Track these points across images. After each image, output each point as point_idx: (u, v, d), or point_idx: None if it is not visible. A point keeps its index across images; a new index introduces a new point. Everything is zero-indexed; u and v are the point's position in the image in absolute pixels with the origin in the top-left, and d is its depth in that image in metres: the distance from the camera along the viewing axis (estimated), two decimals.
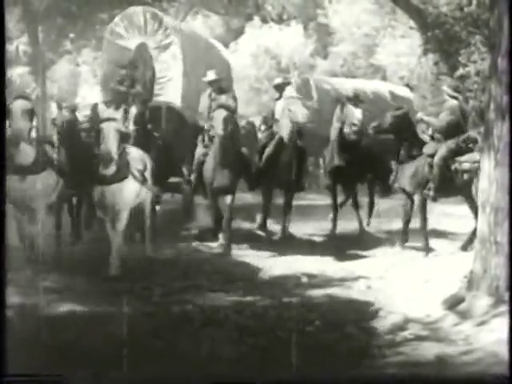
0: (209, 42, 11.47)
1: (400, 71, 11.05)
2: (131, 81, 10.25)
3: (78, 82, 10.79)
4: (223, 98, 9.75)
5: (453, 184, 8.68)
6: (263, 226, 9.93)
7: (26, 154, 8.06)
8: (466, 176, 8.80)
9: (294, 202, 9.89)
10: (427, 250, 8.88)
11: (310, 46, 11.38)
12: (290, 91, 9.94)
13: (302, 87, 10.77)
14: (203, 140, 9.64)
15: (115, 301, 7.40)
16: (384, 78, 11.23)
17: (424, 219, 8.92)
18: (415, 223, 9.08)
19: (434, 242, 9.04)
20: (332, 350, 6.82)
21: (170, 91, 10.45)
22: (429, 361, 6.56)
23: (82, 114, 9.63)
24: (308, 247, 9.50)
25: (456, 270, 7.91)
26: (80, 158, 8.69)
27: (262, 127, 10.22)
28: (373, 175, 9.90)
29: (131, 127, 9.26)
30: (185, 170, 10.01)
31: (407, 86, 10.77)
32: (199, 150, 9.68)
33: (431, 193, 8.82)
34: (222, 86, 10.00)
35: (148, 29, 10.54)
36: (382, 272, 8.45)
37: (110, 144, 8.18)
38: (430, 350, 6.65)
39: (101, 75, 10.94)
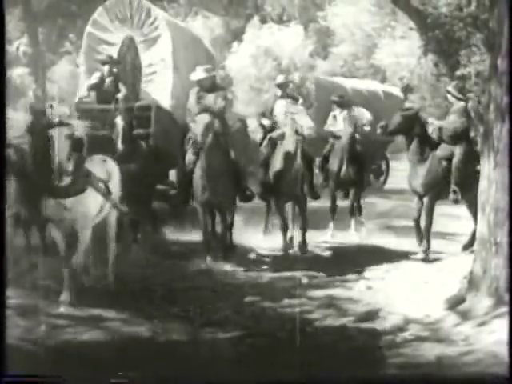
0: (194, 35, 10.78)
1: (400, 72, 11.04)
2: (114, 80, 9.64)
3: (78, 83, 10.69)
4: (211, 98, 9.09)
5: (475, 187, 8.62)
6: (289, 244, 9.16)
7: None
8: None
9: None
10: (428, 251, 8.88)
11: (310, 47, 11.39)
12: (289, 101, 9.40)
13: (300, 86, 10.70)
14: (192, 145, 8.84)
15: None
16: (384, 79, 11.23)
17: (430, 221, 8.90)
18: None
19: (434, 243, 9.05)
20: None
21: (159, 89, 9.71)
22: (429, 361, 6.57)
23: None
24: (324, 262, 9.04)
25: (456, 270, 7.93)
26: (37, 166, 7.60)
27: (260, 134, 9.91)
28: (367, 176, 9.90)
29: (119, 145, 8.68)
30: (175, 179, 9.39)
31: (407, 86, 10.78)
32: (189, 157, 8.95)
33: (458, 196, 8.78)
34: (212, 83, 9.15)
35: (135, 20, 9.77)
36: (383, 273, 8.47)
37: (61, 152, 7.43)
38: (430, 351, 6.67)
39: (82, 74, 10.04)
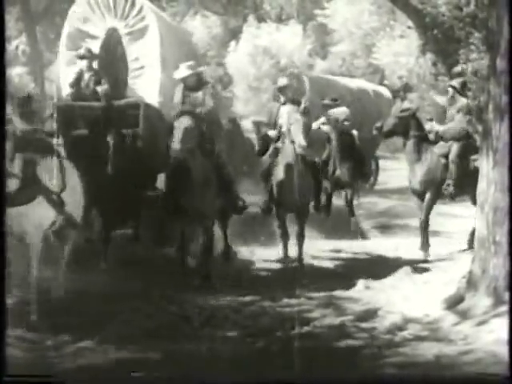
0: (180, 27, 10.25)
1: (398, 71, 11.05)
2: (95, 75, 8.81)
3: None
4: (198, 98, 8.39)
5: (471, 182, 8.62)
6: (286, 257, 8.61)
7: None
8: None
9: None
10: (426, 249, 8.88)
11: (309, 46, 11.39)
12: (291, 108, 8.67)
13: (295, 84, 10.55)
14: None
15: None
16: (382, 78, 11.23)
17: (426, 219, 8.91)
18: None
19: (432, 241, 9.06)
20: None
21: (147, 85, 8.94)
22: (428, 361, 6.57)
23: None
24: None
25: (455, 270, 7.94)
26: None
27: (258, 142, 9.59)
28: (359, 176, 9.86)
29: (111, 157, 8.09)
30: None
31: (405, 85, 10.78)
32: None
33: (451, 190, 8.79)
34: (197, 81, 8.44)
35: (118, 10, 8.97)
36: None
37: (7, 153, 6.78)
38: (429, 350, 6.67)
39: (62, 70, 9.29)
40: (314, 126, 9.30)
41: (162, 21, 9.30)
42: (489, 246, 7.05)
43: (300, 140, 8.31)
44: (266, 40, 11.44)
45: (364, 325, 7.26)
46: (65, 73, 9.18)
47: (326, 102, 9.63)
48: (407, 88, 10.76)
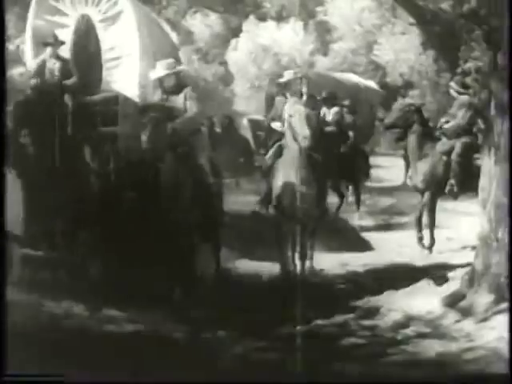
0: (157, 20, 9.25)
1: (400, 68, 11.02)
2: (63, 65, 7.97)
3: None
4: (178, 101, 7.59)
5: (474, 181, 8.58)
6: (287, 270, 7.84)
7: None
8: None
9: None
10: (431, 247, 8.85)
11: (310, 44, 11.37)
12: (294, 101, 8.08)
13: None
14: None
15: None
16: (384, 75, 11.20)
17: (433, 217, 8.88)
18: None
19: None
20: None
21: (124, 76, 8.02)
22: (430, 358, 6.57)
23: None
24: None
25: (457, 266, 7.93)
26: None
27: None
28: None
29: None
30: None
31: (407, 82, 10.77)
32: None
33: (454, 189, 8.76)
34: (176, 82, 7.62)
35: None
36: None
37: None
38: (431, 348, 6.66)
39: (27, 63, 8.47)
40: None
41: (137, 6, 8.42)
42: (491, 243, 7.04)
43: (303, 131, 7.67)
44: (266, 38, 11.42)
45: (366, 322, 7.26)
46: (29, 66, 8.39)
47: (324, 96, 9.52)
48: (409, 85, 10.75)
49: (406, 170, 9.82)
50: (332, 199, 8.88)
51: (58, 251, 7.26)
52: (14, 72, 9.30)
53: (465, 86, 8.95)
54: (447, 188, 8.78)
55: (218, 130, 9.74)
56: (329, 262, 8.26)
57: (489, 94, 7.23)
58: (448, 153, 8.86)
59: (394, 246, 8.90)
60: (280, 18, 11.42)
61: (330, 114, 9.38)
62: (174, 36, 9.45)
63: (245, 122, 9.89)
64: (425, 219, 8.88)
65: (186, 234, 7.28)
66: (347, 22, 11.39)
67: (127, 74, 8.06)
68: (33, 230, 7.23)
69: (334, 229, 8.81)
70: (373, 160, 10.02)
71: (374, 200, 10.03)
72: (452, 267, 8.13)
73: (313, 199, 7.86)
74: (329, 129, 9.12)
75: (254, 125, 9.67)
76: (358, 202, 9.56)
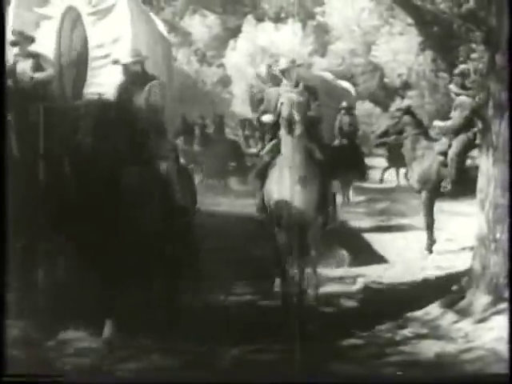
0: (147, 13, 8.32)
1: (398, 68, 11.03)
2: (36, 64, 7.09)
3: None
4: (141, 97, 6.63)
5: (469, 180, 8.57)
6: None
7: None
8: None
9: None
10: (430, 248, 8.84)
11: (309, 45, 11.36)
12: (287, 89, 7.31)
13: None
14: None
15: None
16: (382, 76, 11.21)
17: (430, 217, 8.87)
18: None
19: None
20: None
21: (110, 79, 7.04)
22: (428, 359, 6.56)
23: None
24: None
25: (455, 267, 7.93)
26: None
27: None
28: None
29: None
30: None
31: (405, 83, 10.77)
32: None
33: (448, 188, 8.75)
34: (140, 72, 6.71)
35: None
36: (382, 271, 8.43)
37: None
38: (429, 348, 6.65)
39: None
40: None
41: (131, 0, 7.64)
42: (489, 244, 7.03)
43: (293, 117, 6.88)
44: (264, 39, 11.42)
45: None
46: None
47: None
48: (407, 86, 10.75)
49: (397, 172, 9.88)
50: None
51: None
52: None
53: (463, 87, 8.95)
54: (442, 187, 8.79)
55: (208, 130, 9.71)
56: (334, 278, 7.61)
57: (487, 95, 7.22)
58: (443, 152, 8.87)
59: (395, 249, 8.91)
60: (278, 19, 11.42)
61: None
62: (166, 33, 8.66)
63: (236, 121, 9.68)
64: (423, 220, 8.89)
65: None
66: (345, 23, 11.39)
67: (115, 75, 7.06)
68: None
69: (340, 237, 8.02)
70: (370, 161, 10.04)
71: (370, 201, 10.04)
72: (451, 268, 8.16)
73: (313, 202, 7.01)
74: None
75: (245, 124, 9.56)
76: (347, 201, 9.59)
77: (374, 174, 10.31)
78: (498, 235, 7.00)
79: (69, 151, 6.24)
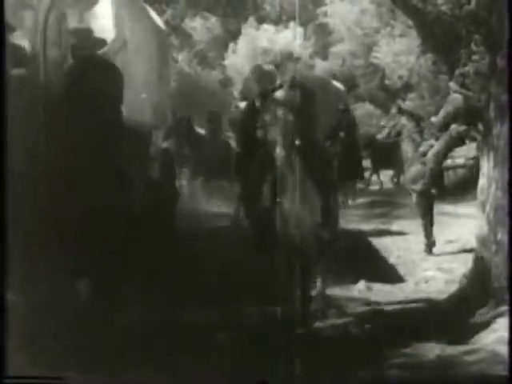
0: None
1: (399, 70, 11.03)
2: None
3: None
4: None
5: (449, 181, 8.59)
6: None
7: None
8: (462, 173, 8.81)
9: None
10: (430, 249, 8.84)
11: (309, 47, 11.37)
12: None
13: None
14: None
15: None
16: (383, 77, 11.21)
17: (423, 215, 8.85)
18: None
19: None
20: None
21: None
22: (430, 360, 6.56)
23: None
24: None
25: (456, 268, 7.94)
26: None
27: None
28: None
29: None
30: None
31: (406, 85, 10.77)
32: None
33: (434, 191, 8.78)
34: (88, 39, 6.22)
35: None
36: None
37: None
38: (430, 350, 6.65)
39: None
40: None
41: None
42: (490, 245, 7.03)
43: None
44: (265, 41, 11.43)
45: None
46: None
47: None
48: (407, 87, 10.76)
49: (396, 174, 9.90)
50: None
51: None
52: None
53: (463, 86, 8.95)
54: (432, 190, 8.81)
55: (200, 130, 9.58)
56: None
57: (488, 97, 7.23)
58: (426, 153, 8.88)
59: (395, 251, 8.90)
60: (279, 20, 11.43)
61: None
62: (161, 23, 8.09)
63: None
64: (421, 221, 8.91)
65: None
66: (346, 25, 11.39)
67: None
68: None
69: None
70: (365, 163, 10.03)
71: (367, 203, 10.05)
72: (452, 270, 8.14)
73: (316, 214, 5.78)
74: None
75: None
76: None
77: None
78: (498, 236, 7.00)
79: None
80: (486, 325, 6.47)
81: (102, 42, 6.57)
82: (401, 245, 9.01)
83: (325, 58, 11.43)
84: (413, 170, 8.87)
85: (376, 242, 8.96)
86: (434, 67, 10.27)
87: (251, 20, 11.34)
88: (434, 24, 9.22)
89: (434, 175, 8.73)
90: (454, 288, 7.51)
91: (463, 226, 8.76)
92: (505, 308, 6.78)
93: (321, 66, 11.33)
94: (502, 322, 6.69)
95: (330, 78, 10.32)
